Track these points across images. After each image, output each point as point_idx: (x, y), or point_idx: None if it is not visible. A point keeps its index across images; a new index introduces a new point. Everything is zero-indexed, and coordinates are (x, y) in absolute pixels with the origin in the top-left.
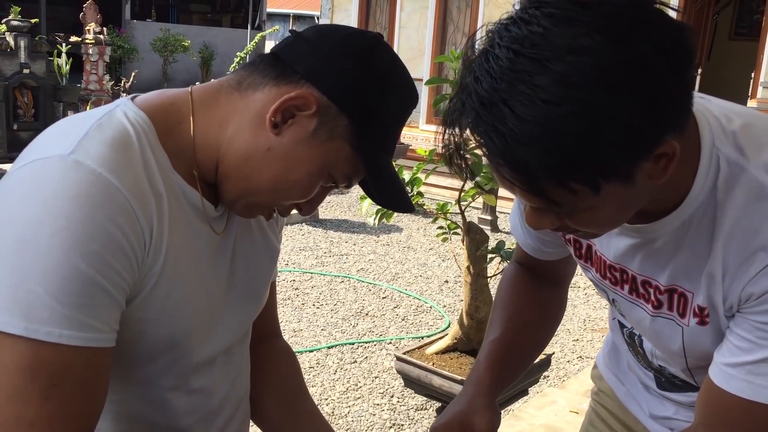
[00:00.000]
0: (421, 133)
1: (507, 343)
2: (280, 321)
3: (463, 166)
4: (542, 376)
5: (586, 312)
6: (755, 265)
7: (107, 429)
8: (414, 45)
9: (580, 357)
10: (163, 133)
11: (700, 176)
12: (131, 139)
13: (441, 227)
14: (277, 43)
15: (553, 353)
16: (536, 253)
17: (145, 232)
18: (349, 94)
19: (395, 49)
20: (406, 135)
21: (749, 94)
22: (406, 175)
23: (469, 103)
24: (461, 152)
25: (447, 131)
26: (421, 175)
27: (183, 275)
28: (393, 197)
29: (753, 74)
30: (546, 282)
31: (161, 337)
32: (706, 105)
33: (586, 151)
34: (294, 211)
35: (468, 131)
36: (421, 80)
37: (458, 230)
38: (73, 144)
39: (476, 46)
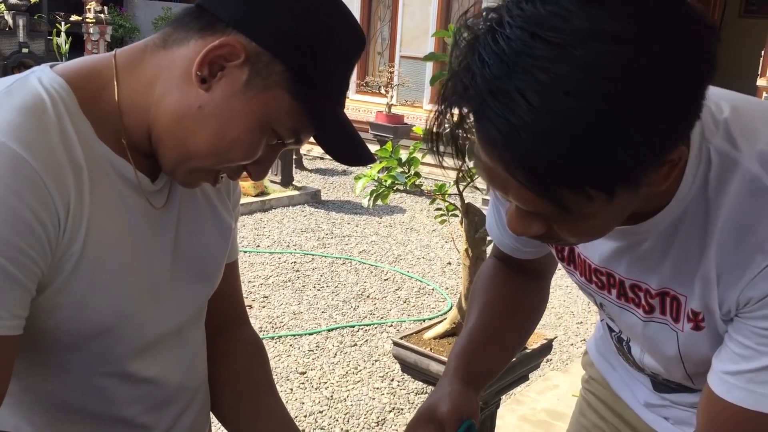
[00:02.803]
0: (424, 113)
1: (478, 332)
2: (280, 303)
3: (460, 146)
4: (545, 360)
5: None
6: (753, 267)
7: (44, 419)
8: (418, 23)
9: (584, 340)
10: (84, 100)
11: (690, 171)
12: (45, 106)
13: (439, 209)
14: None
15: (556, 337)
16: (514, 252)
17: (59, 208)
18: (281, 38)
19: (398, 28)
20: (409, 115)
21: (759, 73)
22: (403, 155)
23: (474, 89)
24: (460, 131)
25: (444, 112)
26: (418, 155)
27: (113, 254)
28: (345, 149)
29: (763, 52)
30: (524, 275)
31: (91, 320)
32: None
33: (609, 152)
34: (296, 192)
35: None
36: None
37: (457, 212)
38: None
39: (470, 23)
